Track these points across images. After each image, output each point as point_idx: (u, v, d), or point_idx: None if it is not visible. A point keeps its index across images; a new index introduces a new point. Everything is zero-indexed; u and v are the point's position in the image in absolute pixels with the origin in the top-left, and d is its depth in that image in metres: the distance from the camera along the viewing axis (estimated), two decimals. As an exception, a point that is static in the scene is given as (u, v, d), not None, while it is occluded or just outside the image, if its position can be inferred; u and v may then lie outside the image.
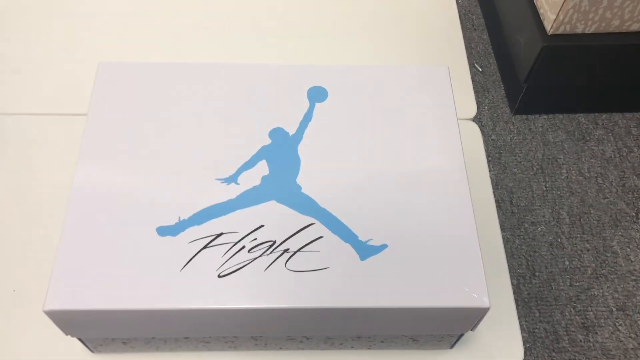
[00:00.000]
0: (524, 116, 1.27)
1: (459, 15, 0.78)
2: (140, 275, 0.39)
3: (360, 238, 0.44)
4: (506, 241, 1.08)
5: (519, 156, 1.22)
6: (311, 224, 0.44)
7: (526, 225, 1.11)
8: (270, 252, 0.42)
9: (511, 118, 1.28)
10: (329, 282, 0.41)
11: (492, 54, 1.38)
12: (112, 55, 0.69)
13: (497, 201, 1.12)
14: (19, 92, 0.66)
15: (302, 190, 0.46)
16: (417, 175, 0.48)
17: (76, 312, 0.38)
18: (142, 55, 0.70)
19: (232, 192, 0.45)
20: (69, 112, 0.64)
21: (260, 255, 0.42)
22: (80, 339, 0.45)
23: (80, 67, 0.67)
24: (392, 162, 0.49)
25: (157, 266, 0.40)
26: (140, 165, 0.46)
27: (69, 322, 0.39)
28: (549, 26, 1.06)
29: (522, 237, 1.10)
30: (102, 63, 0.52)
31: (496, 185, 1.16)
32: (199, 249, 0.41)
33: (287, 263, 0.42)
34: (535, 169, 1.20)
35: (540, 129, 1.26)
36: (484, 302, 0.42)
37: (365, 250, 0.44)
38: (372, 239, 0.44)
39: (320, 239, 0.44)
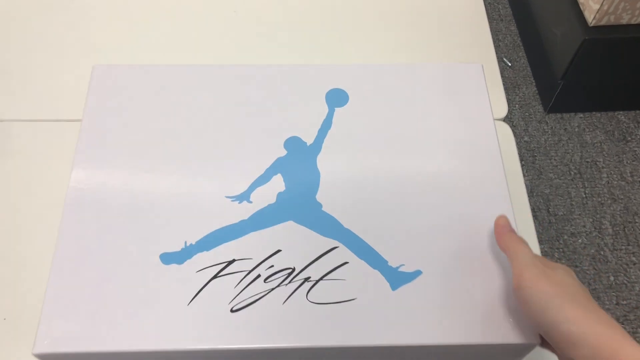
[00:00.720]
0: (559, 115, 1.24)
1: (484, 4, 0.75)
2: (142, 311, 0.37)
3: (390, 264, 0.41)
4: (544, 255, 1.04)
5: (555, 159, 1.18)
6: (334, 248, 0.42)
7: (565, 237, 1.08)
8: (289, 282, 0.40)
9: (544, 117, 1.24)
10: (356, 315, 0.39)
11: (522, 47, 1.35)
12: (107, 58, 0.67)
13: (532, 210, 1.09)
14: (10, 98, 0.64)
15: (323, 209, 0.44)
16: (452, 189, 0.45)
17: (69, 355, 0.35)
18: (140, 57, 0.68)
19: (244, 212, 0.43)
20: (62, 118, 0.62)
21: (278, 286, 0.39)
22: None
23: (73, 71, 0.65)
24: (424, 175, 0.46)
25: (161, 300, 0.38)
26: (140, 181, 0.44)
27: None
28: (590, 17, 1.03)
29: (561, 250, 1.07)
30: (97, 66, 0.50)
31: (531, 192, 1.13)
32: (208, 279, 0.39)
33: (309, 294, 0.39)
34: (572, 173, 1.16)
35: (576, 129, 1.22)
36: (532, 338, 0.39)
37: (396, 278, 0.41)
38: (404, 265, 0.41)
39: (345, 265, 0.41)
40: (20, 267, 0.52)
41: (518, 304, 0.38)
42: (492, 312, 0.40)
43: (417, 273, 0.41)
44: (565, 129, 1.22)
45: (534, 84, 1.29)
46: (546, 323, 0.35)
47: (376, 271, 0.41)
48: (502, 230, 0.41)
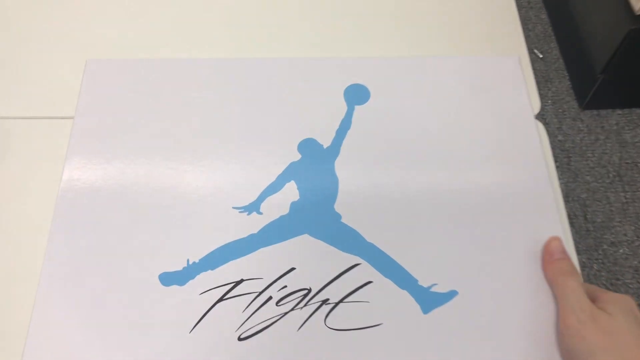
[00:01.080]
0: (595, 112, 1.20)
1: (512, -10, 0.71)
2: (138, 339, 0.34)
3: (421, 283, 0.38)
4: (582, 266, 1.00)
5: (592, 161, 1.14)
6: (356, 265, 0.39)
7: (605, 247, 1.03)
8: (305, 305, 0.37)
9: (579, 114, 1.20)
10: (382, 343, 0.36)
11: (554, 37, 1.31)
12: (102, 52, 0.65)
13: (568, 216, 1.05)
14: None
15: (343, 220, 0.41)
16: (491, 197, 0.42)
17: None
18: (138, 51, 0.65)
19: (253, 224, 0.40)
20: (55, 115, 0.60)
21: (292, 309, 0.36)
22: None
23: (67, 66, 0.63)
24: (457, 181, 0.43)
25: (160, 326, 0.35)
26: (137, 190, 0.41)
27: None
28: (637, 4, 0.97)
29: (600, 261, 1.02)
30: (91, 60, 0.48)
31: (567, 197, 1.08)
32: (212, 303, 0.36)
33: (327, 319, 0.36)
34: (611, 176, 1.11)
35: (615, 127, 1.18)
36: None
37: (428, 300, 0.38)
38: (436, 284, 0.38)
39: (369, 285, 0.38)
40: (9, 277, 0.49)
41: (560, 348, 0.35)
42: (538, 340, 0.36)
43: (452, 294, 0.38)
44: (602, 127, 1.18)
45: (567, 77, 1.25)
46: None
47: (405, 292, 0.38)
48: (551, 259, 0.38)
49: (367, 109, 0.46)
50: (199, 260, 0.38)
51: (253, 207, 0.41)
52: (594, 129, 1.18)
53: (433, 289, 0.38)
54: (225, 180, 0.42)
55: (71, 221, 0.39)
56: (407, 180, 0.43)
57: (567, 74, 1.26)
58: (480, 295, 0.38)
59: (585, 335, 0.33)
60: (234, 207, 0.40)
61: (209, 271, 0.37)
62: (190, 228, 0.39)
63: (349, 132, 0.45)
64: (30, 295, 0.35)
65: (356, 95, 0.47)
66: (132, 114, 0.45)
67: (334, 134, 0.45)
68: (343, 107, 0.46)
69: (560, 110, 1.21)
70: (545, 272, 0.38)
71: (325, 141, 0.45)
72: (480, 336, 0.36)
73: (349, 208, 0.41)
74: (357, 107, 0.46)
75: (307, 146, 0.44)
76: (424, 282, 0.38)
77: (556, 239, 0.39)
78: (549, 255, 0.38)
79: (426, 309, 0.37)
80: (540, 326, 0.37)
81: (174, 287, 0.36)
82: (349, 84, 0.47)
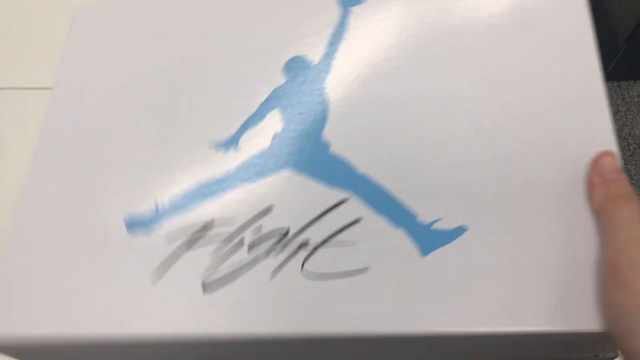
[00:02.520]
0: (615, 83, 1.11)
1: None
2: (100, 291, 0.31)
3: (420, 219, 0.30)
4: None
5: (612, 133, 1.01)
6: (344, 201, 0.32)
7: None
8: (281, 250, 0.31)
9: (601, 85, 1.05)
10: (370, 292, 0.29)
11: None
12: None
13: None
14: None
15: (332, 149, 0.33)
16: (520, 101, 0.32)
17: (18, 340, 0.31)
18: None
19: (229, 161, 0.34)
20: (33, 85, 0.55)
21: (266, 255, 0.31)
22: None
23: (49, 19, 0.57)
24: (477, 87, 0.33)
25: (124, 277, 0.31)
26: (113, 125, 0.36)
27: (13, 351, 0.33)
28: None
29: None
30: (80, 7, 0.43)
31: (585, 170, 0.99)
32: (179, 251, 0.31)
33: (305, 265, 0.30)
34: (632, 148, 1.04)
35: (636, 99, 1.08)
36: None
37: (428, 239, 0.30)
38: (440, 219, 0.30)
39: (358, 224, 0.31)
40: None
41: (603, 302, 0.26)
42: (572, 290, 0.27)
43: (460, 231, 0.30)
44: (623, 99, 1.08)
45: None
46: (623, 330, 0.24)
47: (400, 229, 0.30)
48: (600, 179, 0.28)
49: (366, 11, 0.37)
50: (168, 202, 0.33)
51: (231, 142, 0.35)
52: (614, 100, 1.09)
53: (435, 226, 0.30)
54: (201, 114, 0.36)
55: (54, 156, 0.36)
56: (411, 92, 0.34)
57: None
58: (493, 233, 0.29)
59: (636, 287, 0.23)
60: (210, 143, 0.35)
61: (178, 214, 0.33)
62: (161, 166, 0.34)
63: (343, 42, 0.37)
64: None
65: None
66: (120, 50, 0.40)
67: (325, 47, 0.37)
68: (335, 11, 0.38)
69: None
70: (592, 196, 0.28)
71: (315, 56, 0.37)
72: (492, 283, 0.28)
73: (339, 134, 0.34)
74: (353, 9, 0.37)
75: (293, 66, 0.36)
76: (424, 217, 0.30)
77: (608, 153, 0.29)
78: (598, 175, 0.28)
79: (425, 250, 0.30)
80: (577, 273, 0.27)
81: (139, 233, 0.32)
82: None
